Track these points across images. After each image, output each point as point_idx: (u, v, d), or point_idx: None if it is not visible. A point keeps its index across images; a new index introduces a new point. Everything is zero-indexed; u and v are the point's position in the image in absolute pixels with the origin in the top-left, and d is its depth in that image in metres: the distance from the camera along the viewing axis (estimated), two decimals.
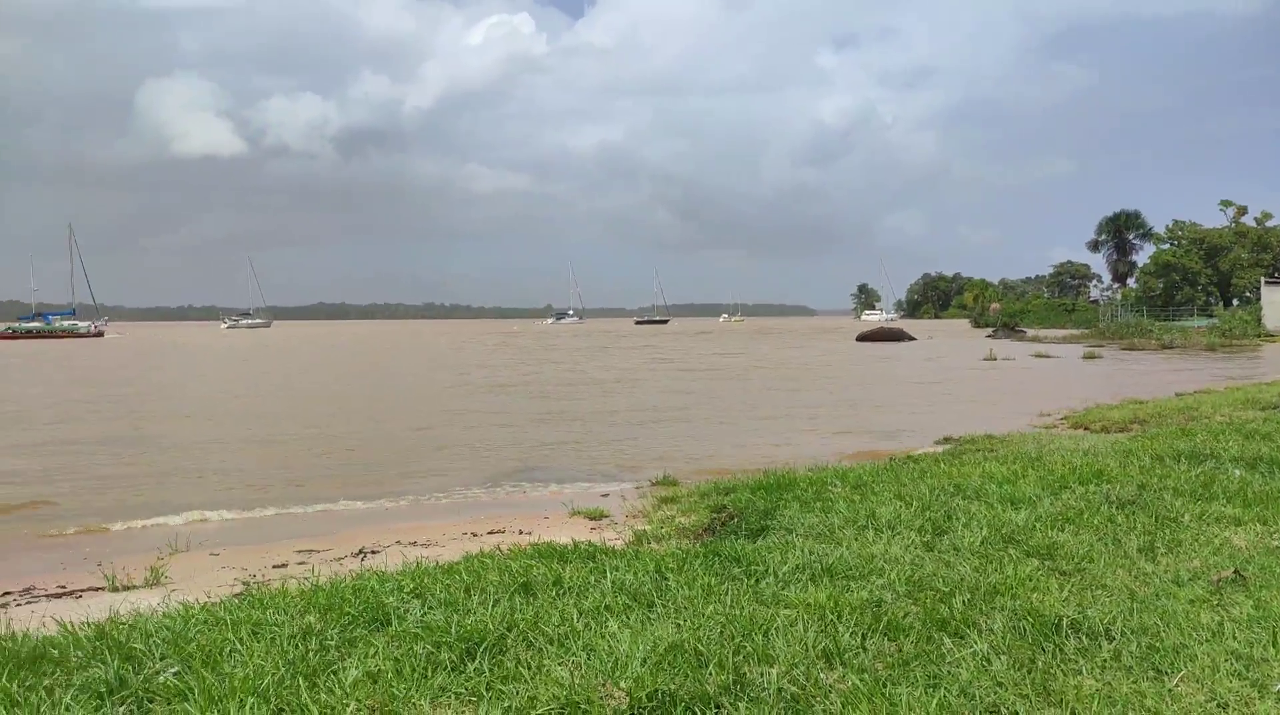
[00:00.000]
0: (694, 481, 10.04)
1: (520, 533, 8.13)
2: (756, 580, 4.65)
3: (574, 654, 3.58)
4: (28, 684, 3.30)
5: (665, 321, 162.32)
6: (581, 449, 15.53)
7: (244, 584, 6.42)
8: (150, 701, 3.19)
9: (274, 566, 7.41)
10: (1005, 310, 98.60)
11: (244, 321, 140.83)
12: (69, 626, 4.09)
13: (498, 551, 5.71)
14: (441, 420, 19.94)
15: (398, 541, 8.29)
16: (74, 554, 8.43)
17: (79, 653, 3.66)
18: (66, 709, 3.01)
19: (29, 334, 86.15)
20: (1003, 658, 3.55)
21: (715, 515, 7.23)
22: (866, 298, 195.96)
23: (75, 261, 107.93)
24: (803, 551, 5.14)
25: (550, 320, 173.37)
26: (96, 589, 6.72)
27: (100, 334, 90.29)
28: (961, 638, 3.77)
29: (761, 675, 3.36)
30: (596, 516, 8.97)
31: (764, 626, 3.84)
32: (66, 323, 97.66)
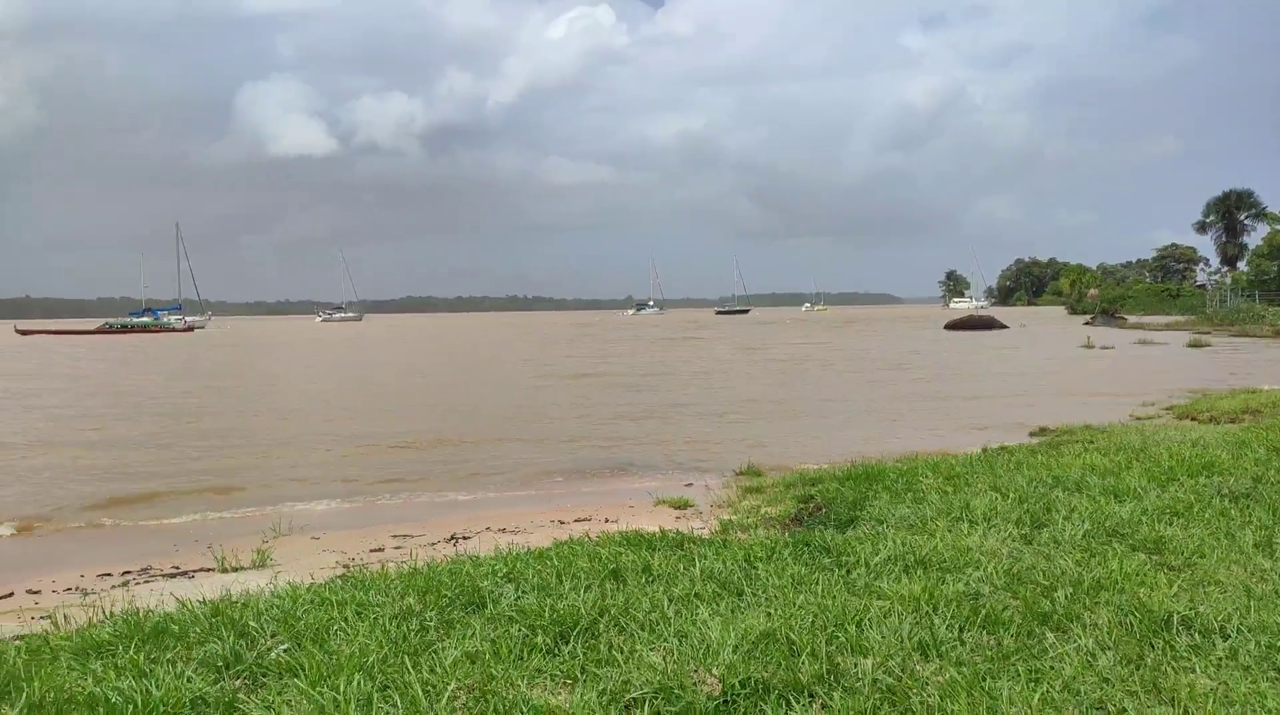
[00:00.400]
0: (778, 472, 9.97)
1: (606, 521, 8.22)
2: (847, 571, 4.60)
3: (665, 640, 3.61)
4: (153, 656, 3.51)
5: (746, 311, 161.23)
6: (664, 439, 15.57)
7: (344, 567, 6.68)
8: (264, 676, 3.34)
9: (371, 551, 7.68)
10: (1104, 296, 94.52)
11: (337, 315, 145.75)
12: (187, 604, 4.32)
13: (586, 538, 5.79)
14: (526, 411, 20.27)
15: (487, 528, 8.49)
16: (185, 537, 8.89)
17: (197, 629, 3.87)
18: (189, 681, 3.19)
19: (123, 329, 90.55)
20: (1109, 653, 3.43)
21: (802, 506, 7.16)
22: (955, 285, 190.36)
23: (181, 259, 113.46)
24: (894, 543, 5.05)
25: (631, 311, 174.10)
26: (207, 570, 7.08)
27: (190, 329, 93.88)
28: (1064, 632, 3.65)
29: (856, 666, 3.33)
30: (681, 506, 9.00)
31: (857, 617, 3.80)
32: (173, 317, 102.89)
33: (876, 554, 4.84)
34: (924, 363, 33.41)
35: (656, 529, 5.82)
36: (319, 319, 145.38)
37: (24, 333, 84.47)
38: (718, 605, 4.08)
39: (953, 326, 62.40)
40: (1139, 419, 14.03)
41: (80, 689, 3.13)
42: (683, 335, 65.71)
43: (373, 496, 11.14)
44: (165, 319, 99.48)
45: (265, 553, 7.19)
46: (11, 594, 6.72)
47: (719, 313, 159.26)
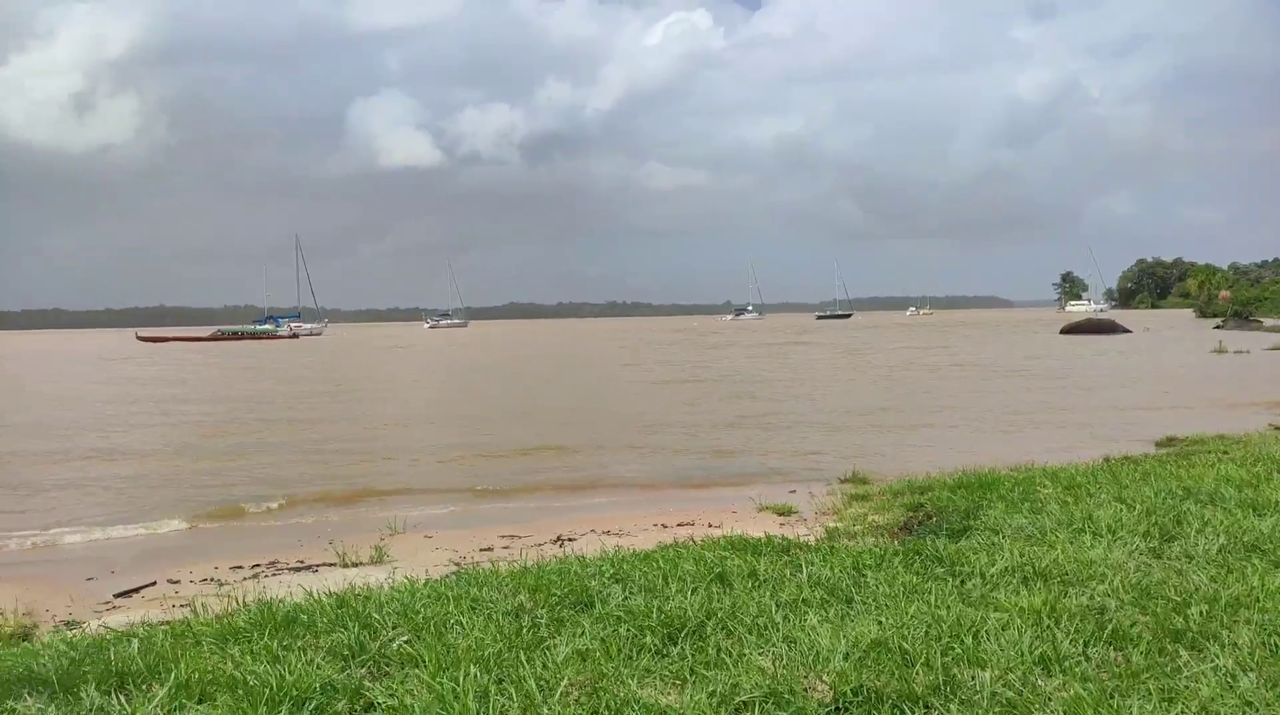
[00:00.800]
0: (885, 480, 9.76)
1: (709, 526, 8.21)
2: (961, 581, 4.47)
3: (774, 644, 3.59)
4: (285, 644, 3.71)
5: (848, 316, 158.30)
6: (766, 446, 15.46)
7: (455, 565, 6.89)
8: (386, 665, 3.49)
9: (480, 550, 7.90)
10: (1236, 298, 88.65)
11: (443, 322, 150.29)
12: (314, 596, 4.54)
13: (690, 542, 5.80)
14: (627, 417, 20.45)
15: (591, 530, 8.61)
16: (308, 533, 9.34)
17: (324, 619, 4.06)
18: (318, 667, 3.36)
19: (235, 336, 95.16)
20: (1250, 675, 3.22)
21: (911, 514, 7.00)
22: (1071, 287, 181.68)
23: (300, 268, 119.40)
24: (1012, 553, 4.88)
25: (729, 316, 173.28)
26: (330, 564, 7.42)
27: (294, 336, 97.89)
28: (1200, 651, 3.46)
29: (973, 678, 3.23)
30: (785, 512, 8.92)
31: (973, 628, 3.69)
32: (293, 323, 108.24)
33: (993, 564, 4.68)
34: (1039, 369, 32.09)
35: (761, 534, 5.79)
36: (426, 325, 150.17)
37: (144, 339, 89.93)
38: (826, 612, 4.03)
39: (1069, 331, 59.69)
40: (1279, 429, 13.12)
41: (221, 671, 3.34)
42: (783, 341, 65.00)
43: (480, 498, 11.46)
44: (285, 325, 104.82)
45: (382, 549, 7.49)
46: (154, 583, 7.21)
47: (820, 318, 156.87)
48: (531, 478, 12.69)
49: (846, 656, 3.42)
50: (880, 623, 3.81)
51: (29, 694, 3.25)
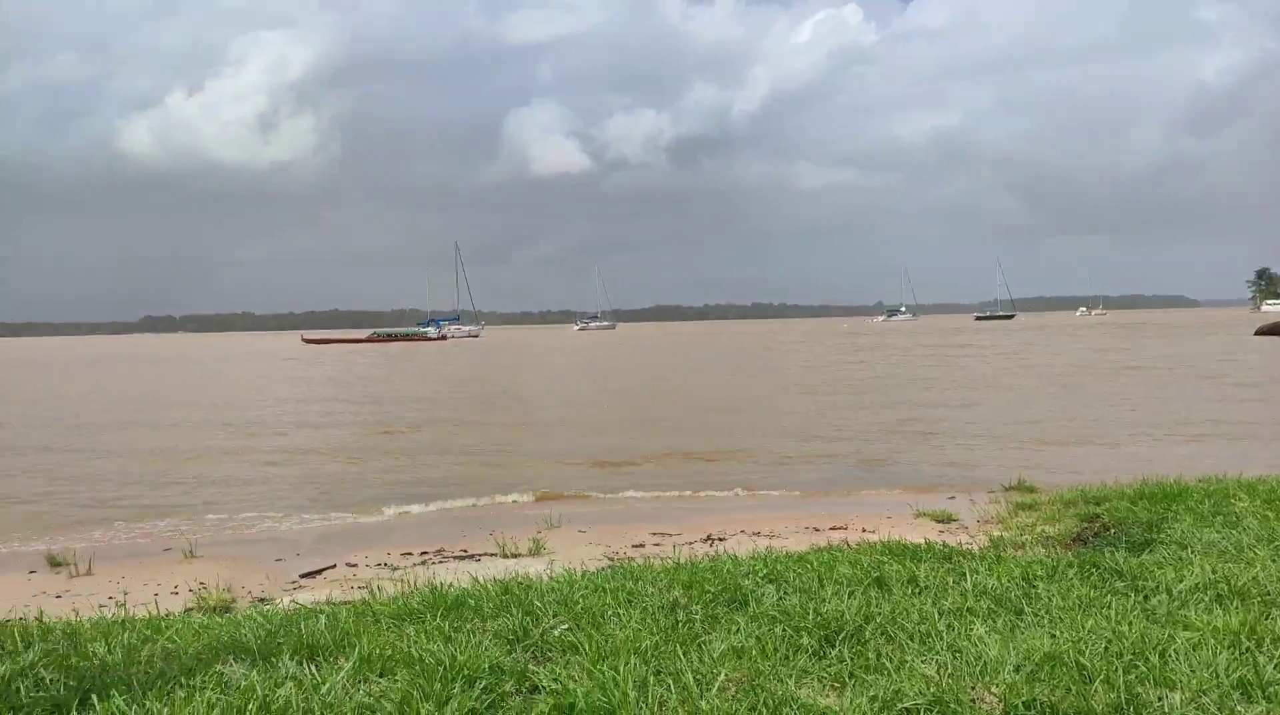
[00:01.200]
0: (1054, 488, 9.22)
1: (863, 531, 8.03)
2: (1145, 597, 4.17)
3: (938, 653, 3.47)
4: (455, 625, 3.91)
5: (1010, 316, 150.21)
6: (924, 451, 14.92)
7: (608, 559, 7.05)
8: (548, 651, 3.61)
9: (632, 546, 8.04)
10: None
11: (592, 324, 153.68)
12: (480, 582, 4.76)
13: (845, 545, 5.69)
14: (777, 420, 20.24)
15: (742, 531, 8.59)
16: (470, 524, 9.79)
17: (489, 605, 4.25)
18: (486, 649, 3.52)
19: (389, 338, 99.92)
20: None
21: (1085, 525, 6.58)
22: (1267, 285, 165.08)
23: (459, 273, 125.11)
24: (1203, 570, 4.50)
25: (881, 317, 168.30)
26: (490, 554, 7.76)
27: (444, 337, 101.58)
28: None
29: (1160, 699, 3.01)
30: (944, 519, 8.61)
31: (1159, 647, 3.43)
32: (453, 327, 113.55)
33: (1180, 580, 4.34)
34: (1231, 373, 29.39)
35: (922, 540, 5.60)
36: (576, 328, 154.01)
37: (309, 341, 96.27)
38: (994, 622, 3.85)
39: (1265, 332, 54.31)
40: None
41: (399, 649, 3.56)
42: (938, 343, 62.50)
43: (631, 497, 11.64)
44: (445, 327, 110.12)
45: (540, 542, 7.76)
46: (334, 566, 7.76)
47: (979, 318, 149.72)
48: (681, 478, 12.78)
49: (1017, 669, 3.26)
50: (1054, 636, 3.61)
51: (234, 660, 3.57)
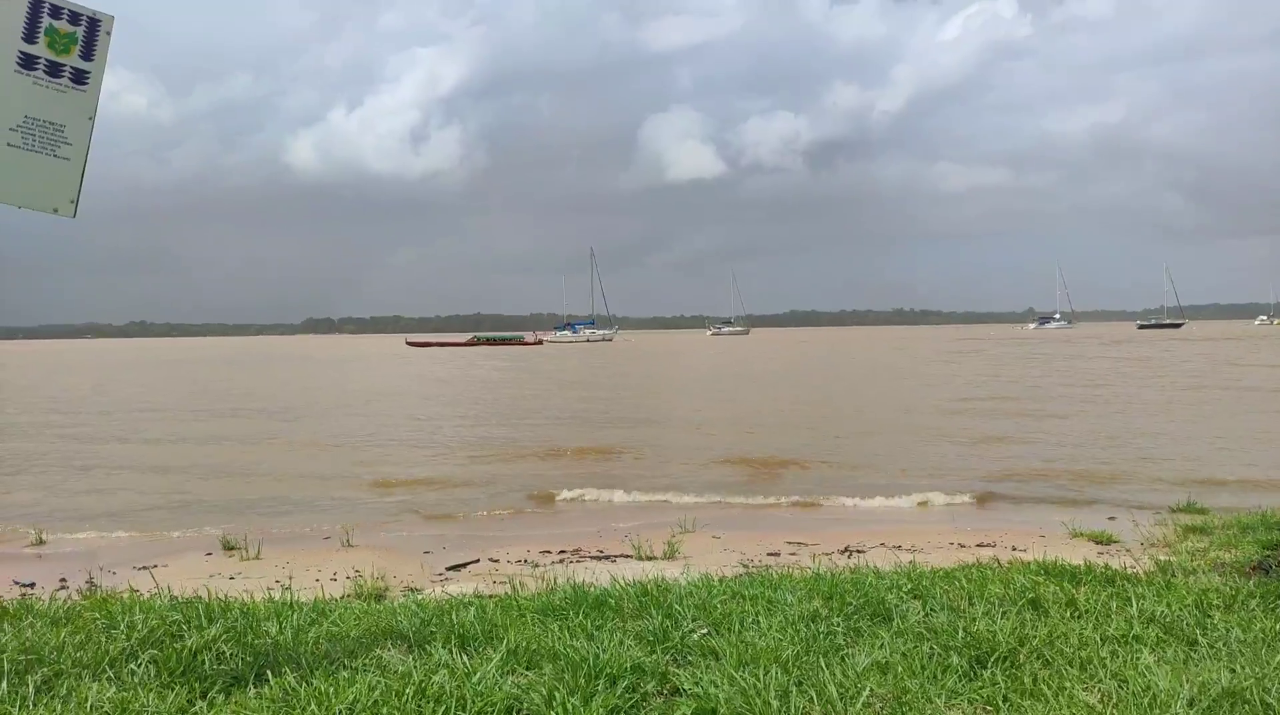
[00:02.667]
0: (1228, 511, 8.51)
1: (1013, 549, 7.65)
2: None
3: (1101, 681, 3.27)
4: (597, 624, 3.99)
5: (1178, 325, 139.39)
6: (1080, 467, 14.08)
7: (743, 566, 7.00)
8: (687, 655, 3.63)
9: (768, 554, 7.97)
10: None
11: (725, 329, 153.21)
12: (620, 583, 4.84)
13: (995, 563, 5.44)
14: (921, 429, 19.58)
15: (882, 544, 8.36)
16: (605, 527, 9.96)
17: (629, 605, 4.32)
18: (628, 649, 3.57)
19: (489, 342, 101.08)
20: None
21: (1268, 552, 6.03)
22: None
23: (595, 279, 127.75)
24: None
25: (1032, 325, 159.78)
26: (626, 556, 7.87)
27: (540, 342, 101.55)
28: None
29: None
30: (1103, 541, 8.10)
31: None
32: (587, 330, 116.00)
33: None
34: None
35: (1081, 561, 5.29)
36: (709, 332, 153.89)
37: (412, 344, 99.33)
38: (1163, 652, 3.60)
39: None
40: None
41: (543, 643, 3.66)
42: (1096, 353, 58.80)
43: (766, 503, 11.54)
44: (585, 333, 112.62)
45: (674, 545, 7.81)
46: (478, 560, 8.06)
47: (1142, 327, 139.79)
48: (819, 485, 12.56)
49: (1192, 704, 3.03)
50: (1234, 671, 3.33)
51: (392, 645, 3.77)
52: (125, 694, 3.09)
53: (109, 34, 3.15)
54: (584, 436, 19.00)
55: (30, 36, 3.01)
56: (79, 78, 3.12)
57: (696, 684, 3.20)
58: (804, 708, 3.03)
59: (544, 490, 12.53)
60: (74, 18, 3.10)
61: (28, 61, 3.02)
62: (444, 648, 3.66)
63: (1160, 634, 3.83)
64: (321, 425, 22.27)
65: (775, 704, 3.01)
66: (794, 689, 3.16)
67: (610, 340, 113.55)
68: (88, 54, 3.12)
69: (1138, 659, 3.48)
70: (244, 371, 52.42)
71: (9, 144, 3.02)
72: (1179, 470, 13.33)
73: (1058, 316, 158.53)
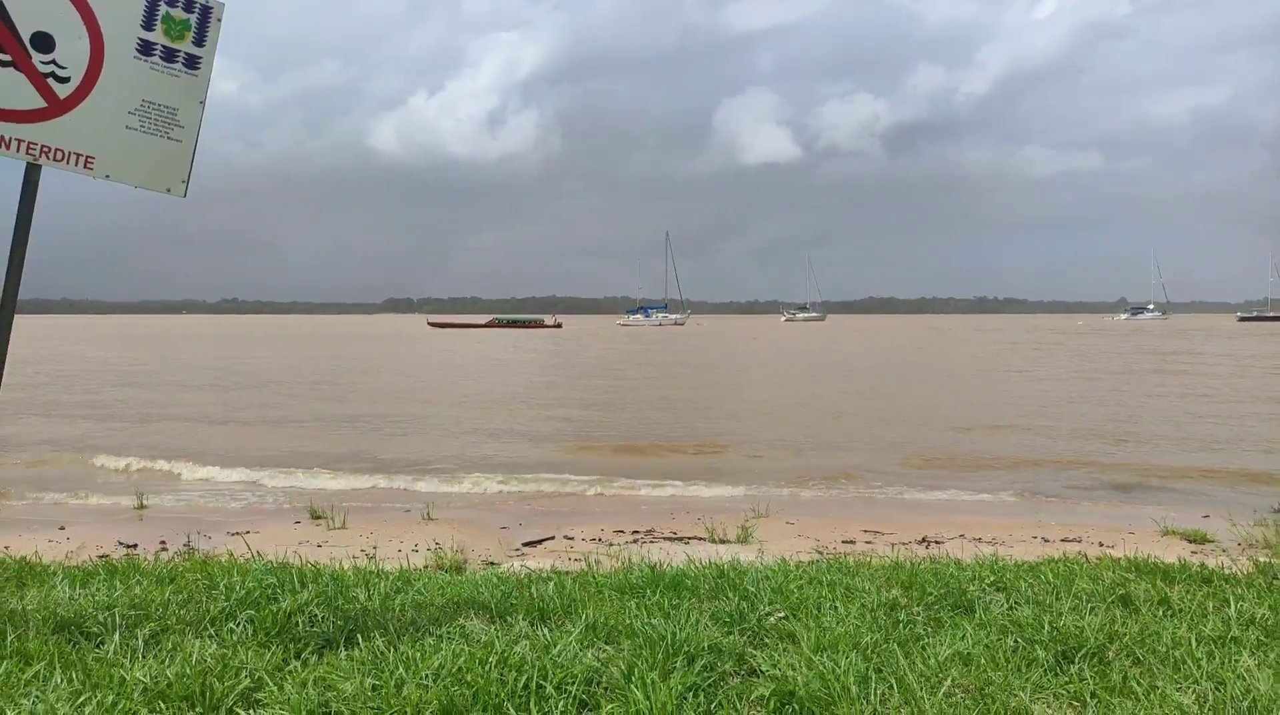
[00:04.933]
0: None
1: (1100, 545, 7.43)
2: None
3: (1196, 682, 3.16)
4: (674, 603, 4.02)
5: None
6: (1173, 464, 13.54)
7: (817, 552, 6.95)
8: (763, 638, 3.64)
9: (842, 541, 7.90)
10: None
11: (800, 315, 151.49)
12: (696, 563, 4.87)
13: (1083, 558, 5.29)
14: (1005, 420, 19.07)
15: (961, 535, 8.19)
16: (679, 508, 10.00)
17: (705, 586, 4.34)
18: (705, 629, 3.60)
19: (510, 324, 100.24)
20: None
21: None
22: None
23: (669, 263, 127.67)
24: None
25: (1123, 315, 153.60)
26: (699, 538, 7.89)
27: (559, 326, 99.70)
28: None
29: None
30: (1197, 540, 7.79)
31: None
32: (660, 314, 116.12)
33: None
34: None
35: (1175, 559, 5.10)
36: (784, 318, 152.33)
37: (434, 325, 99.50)
38: (1264, 655, 3.45)
39: None
40: None
41: (621, 620, 3.72)
42: (1191, 347, 56.24)
43: (844, 489, 11.42)
44: (657, 317, 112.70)
45: (748, 530, 7.80)
46: (553, 537, 8.20)
47: (1243, 319, 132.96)
48: (895, 475, 12.36)
49: None
50: None
51: (474, 615, 3.88)
52: (225, 651, 3.25)
53: (219, 20, 3.28)
54: (657, 419, 19.07)
55: (149, 24, 3.16)
56: (191, 63, 3.27)
57: (774, 666, 3.21)
58: (883, 695, 3.01)
59: (617, 473, 12.64)
60: (188, 5, 3.25)
61: (145, 48, 3.17)
62: (524, 620, 3.74)
63: (1261, 637, 3.68)
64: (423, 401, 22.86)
65: (854, 689, 3.00)
66: (873, 676, 3.13)
67: (682, 324, 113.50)
68: (200, 40, 3.26)
69: (1236, 661, 3.35)
70: (345, 346, 54.11)
71: (128, 127, 3.18)
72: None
73: (1151, 307, 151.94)
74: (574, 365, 39.85)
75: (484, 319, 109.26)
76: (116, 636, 3.38)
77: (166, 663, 3.11)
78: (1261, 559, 6.18)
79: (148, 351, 49.52)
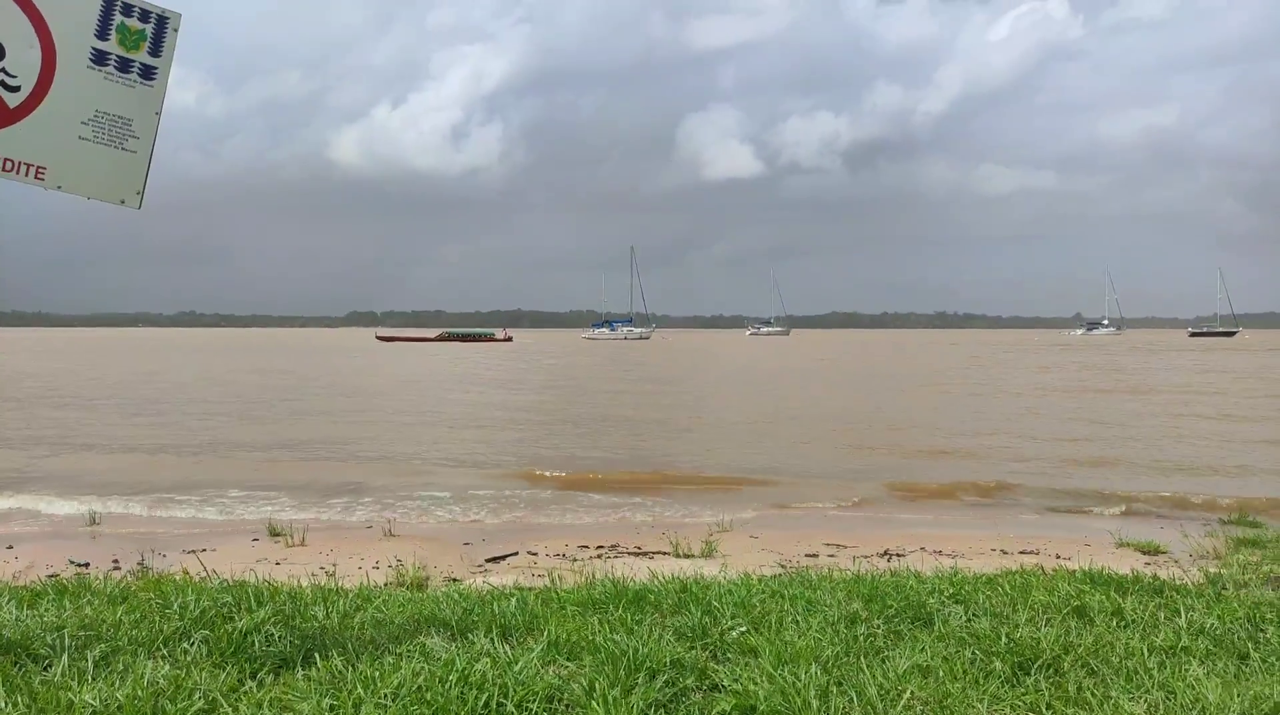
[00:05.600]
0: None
1: (1057, 557, 7.55)
2: None
3: (1148, 691, 3.22)
4: (636, 618, 4.02)
5: (1232, 333, 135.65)
6: (1125, 473, 13.82)
7: (781, 566, 6.97)
8: (726, 652, 3.64)
9: (805, 555, 7.93)
10: None
11: (764, 329, 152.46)
12: (660, 578, 4.86)
13: (1040, 571, 5.38)
14: (970, 434, 19.33)
15: (922, 548, 8.27)
16: (643, 524, 9.99)
17: (668, 601, 4.34)
18: (666, 644, 3.59)
19: (462, 338, 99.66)
20: None
21: None
22: None
23: (634, 277, 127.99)
24: None
25: (1079, 330, 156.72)
26: (664, 553, 7.88)
27: (509, 339, 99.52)
28: None
29: None
30: (1150, 551, 7.95)
31: None
32: (625, 328, 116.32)
33: None
34: None
35: (1128, 571, 5.20)
36: (748, 333, 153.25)
37: (383, 339, 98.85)
38: (1213, 664, 3.53)
39: None
40: None
41: (583, 636, 3.70)
42: (1144, 364, 57.54)
43: (807, 503, 11.49)
44: (622, 331, 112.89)
45: (712, 544, 7.81)
46: (516, 553, 8.14)
47: (1193, 334, 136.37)
48: (859, 488, 12.47)
49: None
50: None
51: (435, 632, 3.84)
52: (179, 672, 3.18)
53: (176, 31, 3.24)
54: (620, 434, 19.06)
55: (103, 33, 3.12)
56: (147, 73, 3.22)
57: (735, 680, 3.21)
58: (843, 708, 3.03)
59: (581, 488, 12.60)
60: (144, 15, 3.20)
61: (99, 57, 3.13)
62: (486, 637, 3.71)
63: (1210, 646, 3.76)
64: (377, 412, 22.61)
65: (815, 703, 3.01)
66: (834, 689, 3.15)
67: (647, 338, 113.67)
68: (156, 50, 3.22)
69: (1186, 670, 3.42)
70: (300, 361, 53.35)
71: (80, 137, 3.13)
72: (1227, 484, 13.01)
73: (1106, 322, 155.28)
74: (531, 381, 39.72)
75: (434, 333, 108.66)
76: (65, 658, 3.29)
77: (117, 684, 3.04)
78: (1211, 570, 6.33)
79: (67, 363, 48.47)
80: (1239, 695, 3.14)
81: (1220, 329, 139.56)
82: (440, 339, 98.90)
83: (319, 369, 46.21)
